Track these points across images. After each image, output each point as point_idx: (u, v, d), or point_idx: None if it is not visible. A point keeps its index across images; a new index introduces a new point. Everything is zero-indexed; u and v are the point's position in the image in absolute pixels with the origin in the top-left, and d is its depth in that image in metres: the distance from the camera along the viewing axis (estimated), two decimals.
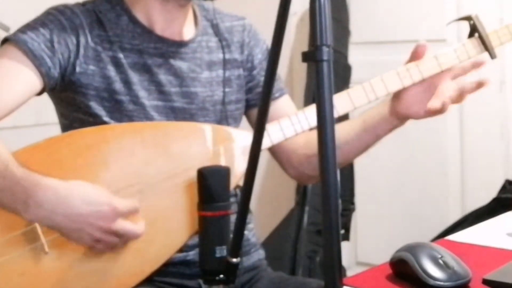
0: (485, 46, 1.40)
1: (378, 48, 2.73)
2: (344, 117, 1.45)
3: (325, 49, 0.82)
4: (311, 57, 0.83)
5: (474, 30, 1.41)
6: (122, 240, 1.21)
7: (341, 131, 1.40)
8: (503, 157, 2.50)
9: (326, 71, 0.82)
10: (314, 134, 0.82)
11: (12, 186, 1.15)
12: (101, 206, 1.18)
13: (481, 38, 1.40)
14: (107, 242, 1.20)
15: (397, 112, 1.40)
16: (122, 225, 1.19)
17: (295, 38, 2.80)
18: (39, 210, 1.16)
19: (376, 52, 2.72)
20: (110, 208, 1.18)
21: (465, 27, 1.44)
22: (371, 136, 1.43)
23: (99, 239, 1.19)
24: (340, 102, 1.35)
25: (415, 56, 1.38)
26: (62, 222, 1.17)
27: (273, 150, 1.48)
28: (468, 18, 1.42)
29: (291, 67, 2.84)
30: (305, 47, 1.02)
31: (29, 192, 1.15)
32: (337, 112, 1.35)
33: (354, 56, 2.73)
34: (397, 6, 2.67)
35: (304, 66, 2.65)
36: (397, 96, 1.40)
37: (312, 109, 1.34)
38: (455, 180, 2.59)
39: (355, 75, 2.69)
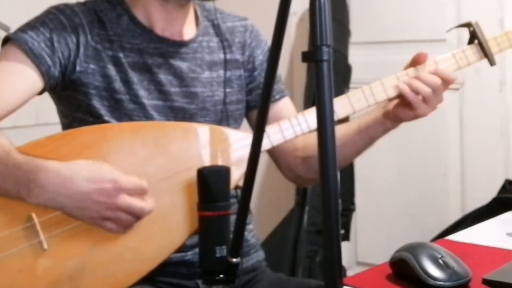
0: (485, 53, 1.41)
1: (378, 48, 2.73)
2: (344, 121, 1.45)
3: (325, 49, 0.82)
4: (311, 57, 0.83)
5: (473, 37, 1.42)
6: (130, 217, 1.19)
7: (337, 134, 1.40)
8: (503, 157, 2.50)
9: (326, 71, 0.82)
10: (312, 137, 0.82)
11: (15, 172, 1.16)
12: (103, 183, 1.17)
13: (480, 45, 1.41)
14: (116, 220, 1.18)
15: (388, 112, 1.40)
16: (127, 200, 1.17)
17: (295, 38, 2.80)
18: (43, 192, 1.16)
19: (376, 52, 2.72)
20: (113, 184, 1.17)
21: (464, 28, 1.44)
22: (365, 138, 1.43)
23: (107, 217, 1.18)
24: (340, 106, 1.35)
25: (416, 63, 1.38)
26: (67, 202, 1.17)
27: (271, 152, 1.48)
28: (468, 25, 1.43)
29: (291, 67, 2.84)
30: (305, 47, 1.02)
31: (31, 176, 1.15)
32: (337, 115, 1.35)
33: (354, 56, 2.73)
34: (397, 6, 2.66)
35: (304, 66, 2.65)
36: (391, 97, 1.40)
37: (312, 111, 1.35)
38: (455, 180, 2.59)
39: (355, 75, 2.69)
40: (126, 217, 1.19)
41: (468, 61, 1.41)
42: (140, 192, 1.20)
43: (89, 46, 1.32)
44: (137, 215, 1.19)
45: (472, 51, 1.42)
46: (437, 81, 1.35)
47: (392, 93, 1.37)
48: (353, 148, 1.44)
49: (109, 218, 1.18)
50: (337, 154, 0.82)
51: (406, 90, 1.35)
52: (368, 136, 1.43)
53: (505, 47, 1.43)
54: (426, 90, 1.34)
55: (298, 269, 2.42)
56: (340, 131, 1.43)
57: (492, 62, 1.42)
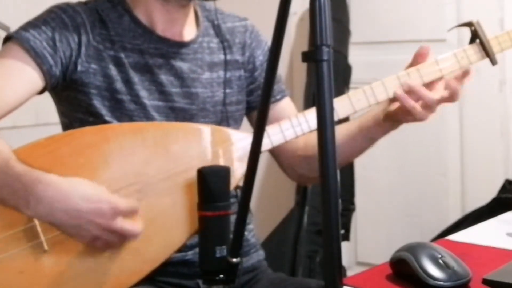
0: (486, 52, 1.41)
1: (378, 48, 2.73)
2: (345, 120, 1.45)
3: (325, 49, 0.82)
4: (311, 57, 0.83)
5: (475, 36, 1.42)
6: (120, 239, 1.20)
7: (337, 134, 1.39)
8: (503, 157, 2.50)
9: (326, 71, 0.82)
10: (314, 136, 0.82)
11: (13, 182, 1.15)
12: (101, 203, 1.16)
13: (482, 44, 1.41)
14: (105, 240, 1.19)
15: (389, 115, 1.39)
16: (121, 224, 1.18)
17: (295, 38, 2.80)
18: (39, 206, 1.15)
19: (376, 52, 2.72)
20: (110, 206, 1.17)
21: (465, 27, 1.44)
22: (366, 139, 1.43)
23: (98, 236, 1.18)
24: (341, 106, 1.35)
25: (418, 58, 1.38)
26: (62, 218, 1.16)
27: (273, 152, 1.48)
28: (469, 24, 1.43)
29: (291, 67, 2.84)
30: (305, 47, 1.02)
31: (29, 189, 1.15)
32: (338, 115, 1.35)
33: (354, 56, 2.73)
34: (397, 6, 2.67)
35: (304, 66, 2.65)
36: (391, 99, 1.40)
37: (313, 111, 1.34)
38: (455, 180, 2.59)
39: (355, 75, 2.69)
40: (115, 239, 1.19)
41: (470, 61, 1.41)
42: (132, 214, 1.20)
43: (91, 46, 1.32)
44: (127, 238, 1.20)
45: (473, 51, 1.41)
46: (434, 97, 1.34)
47: (392, 94, 1.37)
48: (354, 147, 1.44)
49: (100, 238, 1.18)
50: (337, 154, 0.82)
51: (404, 97, 1.34)
52: (369, 137, 1.43)
53: (506, 47, 1.43)
54: (428, 98, 1.34)
55: (298, 269, 2.42)
56: (341, 130, 1.43)
57: (493, 62, 1.42)
